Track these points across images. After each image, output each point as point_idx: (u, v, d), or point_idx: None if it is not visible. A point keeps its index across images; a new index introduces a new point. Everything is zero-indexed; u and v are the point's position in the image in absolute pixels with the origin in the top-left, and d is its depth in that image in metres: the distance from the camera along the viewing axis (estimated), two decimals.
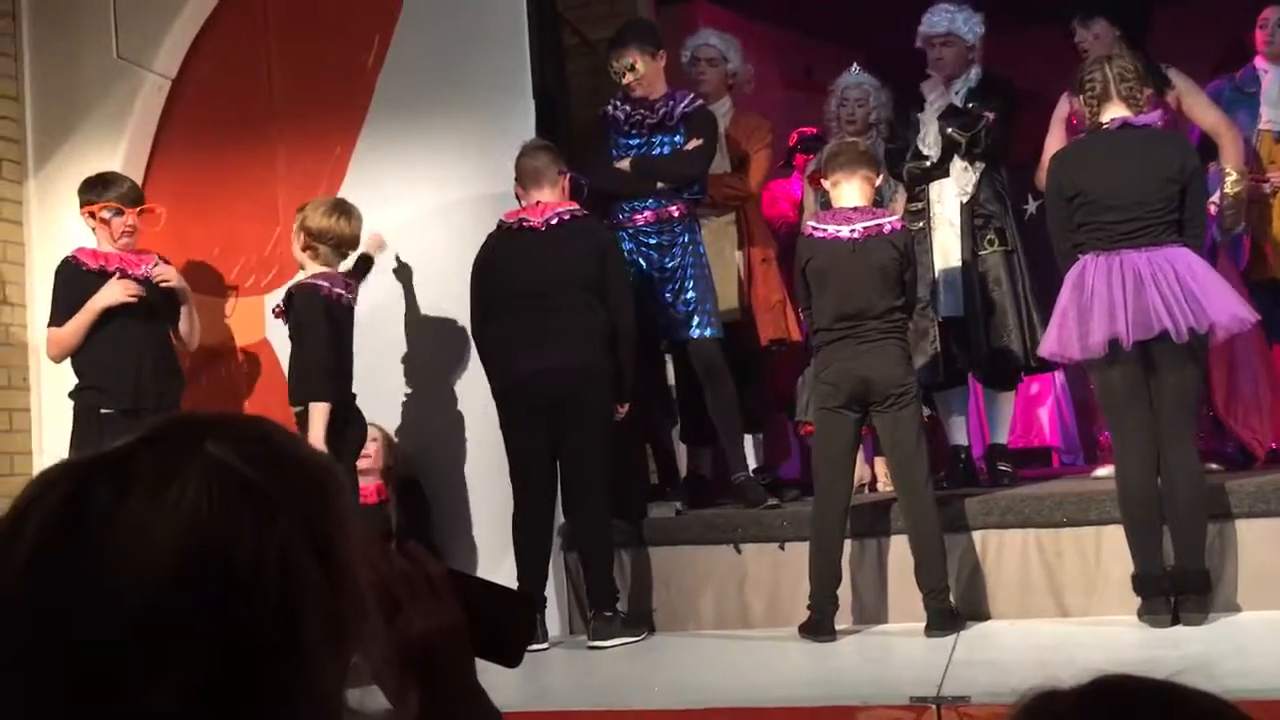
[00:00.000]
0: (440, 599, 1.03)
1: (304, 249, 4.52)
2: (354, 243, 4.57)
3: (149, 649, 0.74)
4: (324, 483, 0.86)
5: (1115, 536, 4.03)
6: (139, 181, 5.37)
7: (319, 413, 4.23)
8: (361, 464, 4.58)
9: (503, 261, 4.38)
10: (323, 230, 4.48)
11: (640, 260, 4.72)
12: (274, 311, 4.63)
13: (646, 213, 4.74)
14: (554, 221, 4.38)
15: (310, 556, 0.80)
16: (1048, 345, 4.06)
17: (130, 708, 0.74)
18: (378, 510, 4.66)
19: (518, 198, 4.50)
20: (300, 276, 4.52)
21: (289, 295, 4.49)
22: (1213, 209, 4.54)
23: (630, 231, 4.74)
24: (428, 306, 4.97)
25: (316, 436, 4.16)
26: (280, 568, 0.78)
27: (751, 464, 5.06)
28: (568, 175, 4.49)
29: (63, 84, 5.33)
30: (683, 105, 4.77)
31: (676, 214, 4.74)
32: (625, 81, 4.75)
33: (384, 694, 1.02)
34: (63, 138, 5.34)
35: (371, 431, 4.63)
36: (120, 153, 5.29)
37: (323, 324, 4.35)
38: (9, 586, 0.76)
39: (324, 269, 4.49)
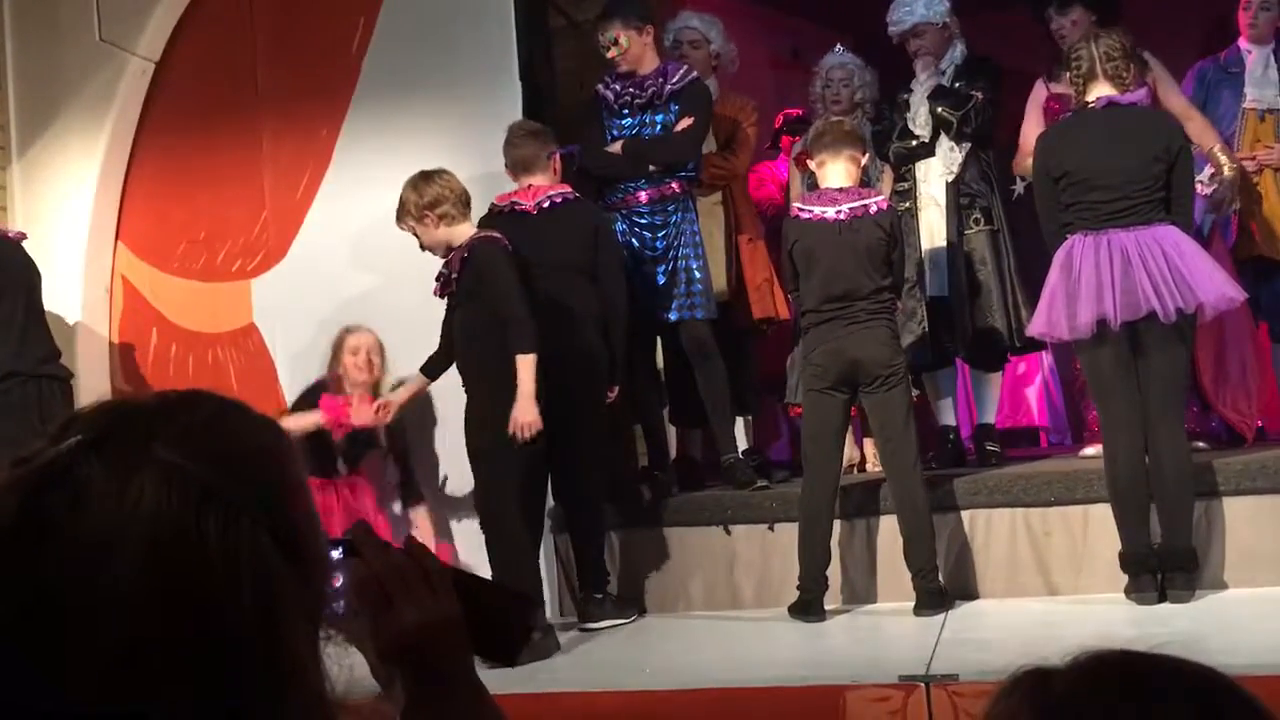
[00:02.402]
0: (436, 593, 1.03)
1: (439, 225, 4.16)
2: (465, 192, 4.27)
3: (127, 659, 0.73)
4: (281, 469, 0.84)
5: (1103, 515, 4.06)
6: (123, 165, 5.34)
7: (528, 366, 3.96)
8: (361, 375, 4.54)
9: None
10: (439, 197, 4.16)
11: (633, 240, 4.71)
12: (440, 283, 4.23)
13: (641, 193, 4.72)
14: (546, 205, 4.37)
15: (277, 551, 0.79)
16: (1036, 325, 4.07)
17: (115, 714, 0.73)
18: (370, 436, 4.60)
19: (511, 177, 4.47)
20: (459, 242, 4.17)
21: (462, 259, 4.11)
22: (1201, 189, 4.55)
23: (624, 212, 4.73)
24: (415, 291, 4.95)
25: (527, 392, 3.94)
26: (251, 568, 0.77)
27: (741, 446, 5.07)
28: (557, 154, 4.48)
29: (45, 67, 5.29)
30: (673, 81, 4.74)
31: (670, 194, 4.73)
32: (610, 57, 4.73)
33: (379, 685, 1.01)
34: (46, 122, 5.30)
35: (367, 338, 4.58)
36: (104, 137, 5.26)
37: (511, 273, 4.08)
38: None
39: (473, 228, 4.21)
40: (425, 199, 4.18)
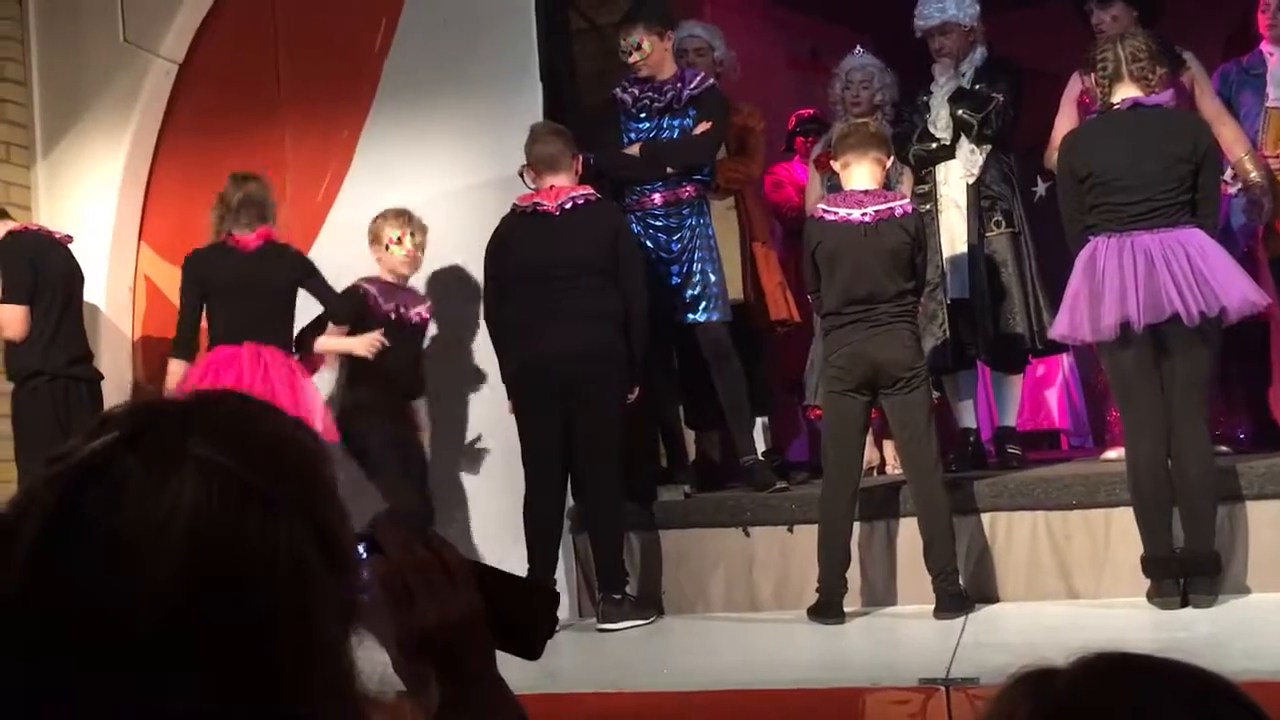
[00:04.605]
0: (458, 589, 1.03)
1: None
2: None
3: (165, 653, 0.73)
4: (313, 466, 0.85)
5: (1125, 519, 4.03)
6: (147, 165, 5.38)
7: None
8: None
9: (516, 245, 4.38)
10: None
11: (647, 243, 4.71)
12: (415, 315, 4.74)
13: (656, 196, 4.74)
14: (568, 205, 4.38)
15: (314, 549, 0.80)
16: (1059, 327, 4.05)
17: (151, 710, 0.73)
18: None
19: (520, 175, 4.49)
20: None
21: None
22: (1228, 189, 4.53)
23: (639, 214, 4.73)
24: (436, 290, 4.97)
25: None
26: (288, 564, 0.78)
27: (759, 447, 5.06)
28: (579, 157, 4.50)
29: (70, 69, 5.33)
30: (691, 87, 4.76)
31: (685, 196, 4.74)
32: (632, 61, 4.74)
33: (402, 681, 1.02)
34: (70, 122, 5.34)
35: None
36: (127, 137, 5.30)
37: None
38: (10, 593, 0.74)
39: None
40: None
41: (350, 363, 4.61)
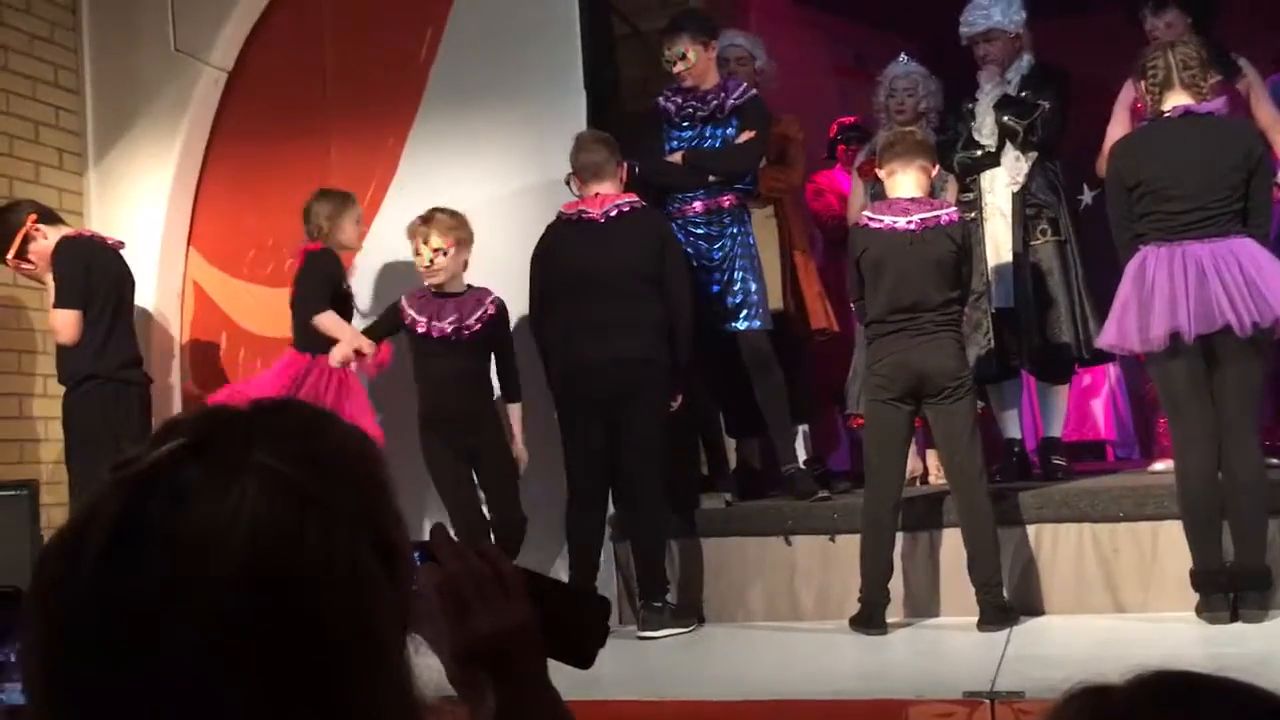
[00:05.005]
0: (511, 598, 1.03)
1: (461, 260, 4.58)
2: None
3: (225, 655, 0.74)
4: (374, 475, 0.86)
5: (1173, 531, 3.98)
6: (196, 172, 5.45)
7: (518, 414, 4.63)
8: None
9: (562, 253, 4.40)
10: (471, 237, 4.58)
11: (689, 250, 4.71)
12: (451, 326, 4.52)
13: (697, 204, 4.74)
14: (613, 213, 4.39)
15: (373, 555, 0.81)
16: (1107, 337, 4.00)
17: (211, 712, 0.74)
18: None
19: (566, 183, 4.50)
20: (456, 290, 4.58)
21: (489, 314, 4.54)
22: (1277, 193, 4.46)
23: (680, 223, 4.74)
24: None
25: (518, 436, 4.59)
26: (348, 572, 0.78)
27: (800, 455, 5.04)
28: (624, 165, 4.51)
29: (121, 78, 5.42)
30: (734, 97, 4.76)
31: (726, 205, 4.74)
32: (676, 71, 4.74)
33: (455, 690, 1.02)
34: (121, 130, 5.43)
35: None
36: (177, 145, 5.37)
37: None
38: (79, 598, 0.76)
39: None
40: (470, 237, 4.54)
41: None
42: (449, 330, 4.50)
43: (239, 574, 0.75)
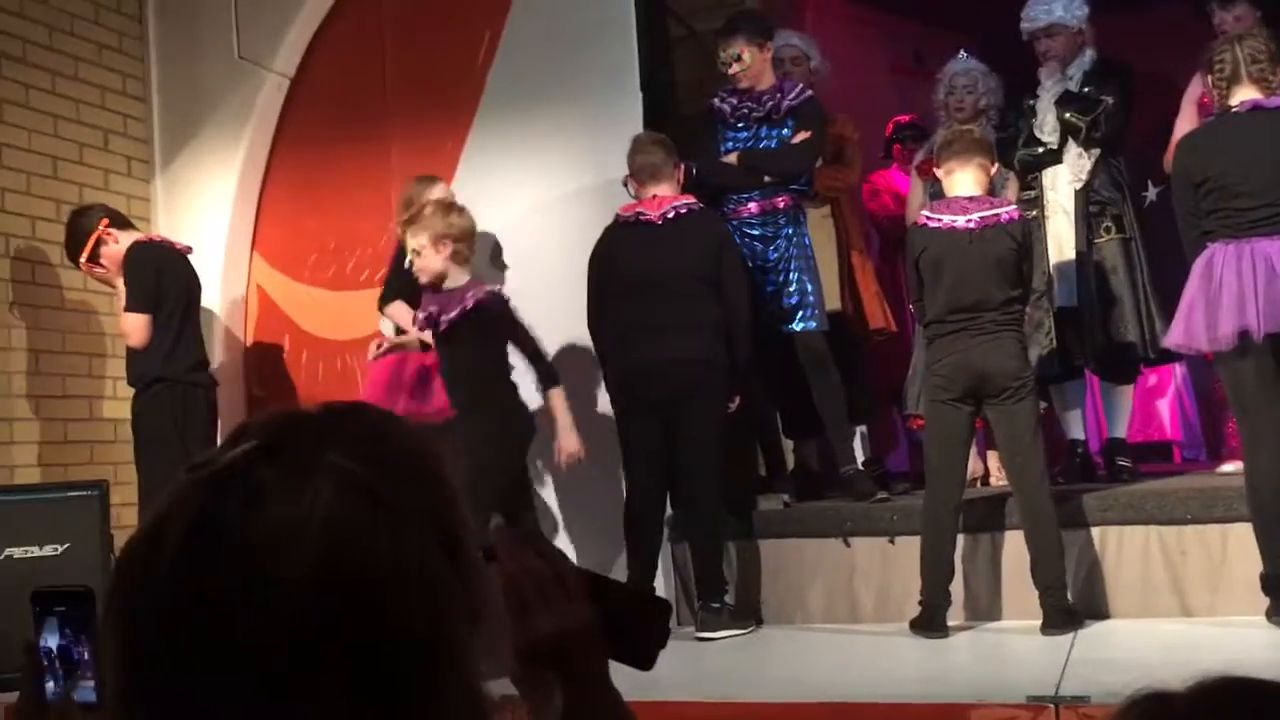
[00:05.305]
0: (572, 599, 1.04)
1: (448, 258, 4.22)
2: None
3: (297, 654, 0.75)
4: (442, 475, 0.87)
5: (1243, 534, 3.90)
6: (259, 178, 5.55)
7: (561, 398, 4.32)
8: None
9: (620, 254, 4.41)
10: (465, 233, 4.25)
11: (744, 251, 4.70)
12: (430, 321, 4.27)
13: (751, 204, 4.73)
14: (670, 215, 4.39)
15: (442, 555, 0.82)
16: (1174, 336, 3.93)
17: (284, 711, 0.75)
18: None
19: (624, 185, 4.51)
20: (453, 285, 4.24)
21: (464, 309, 4.19)
22: None
23: (735, 224, 4.73)
24: (539, 300, 5.00)
25: (569, 424, 4.32)
26: (419, 572, 0.80)
27: (859, 456, 5.01)
28: (681, 166, 4.51)
29: (187, 84, 5.52)
30: (790, 97, 4.74)
31: (781, 205, 4.72)
32: (732, 72, 4.73)
33: (518, 690, 1.03)
34: (187, 137, 5.53)
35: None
36: (241, 151, 5.47)
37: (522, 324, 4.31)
38: (155, 597, 0.77)
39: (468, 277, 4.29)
40: (453, 229, 4.23)
41: None
42: (425, 324, 4.32)
43: (312, 574, 0.76)
